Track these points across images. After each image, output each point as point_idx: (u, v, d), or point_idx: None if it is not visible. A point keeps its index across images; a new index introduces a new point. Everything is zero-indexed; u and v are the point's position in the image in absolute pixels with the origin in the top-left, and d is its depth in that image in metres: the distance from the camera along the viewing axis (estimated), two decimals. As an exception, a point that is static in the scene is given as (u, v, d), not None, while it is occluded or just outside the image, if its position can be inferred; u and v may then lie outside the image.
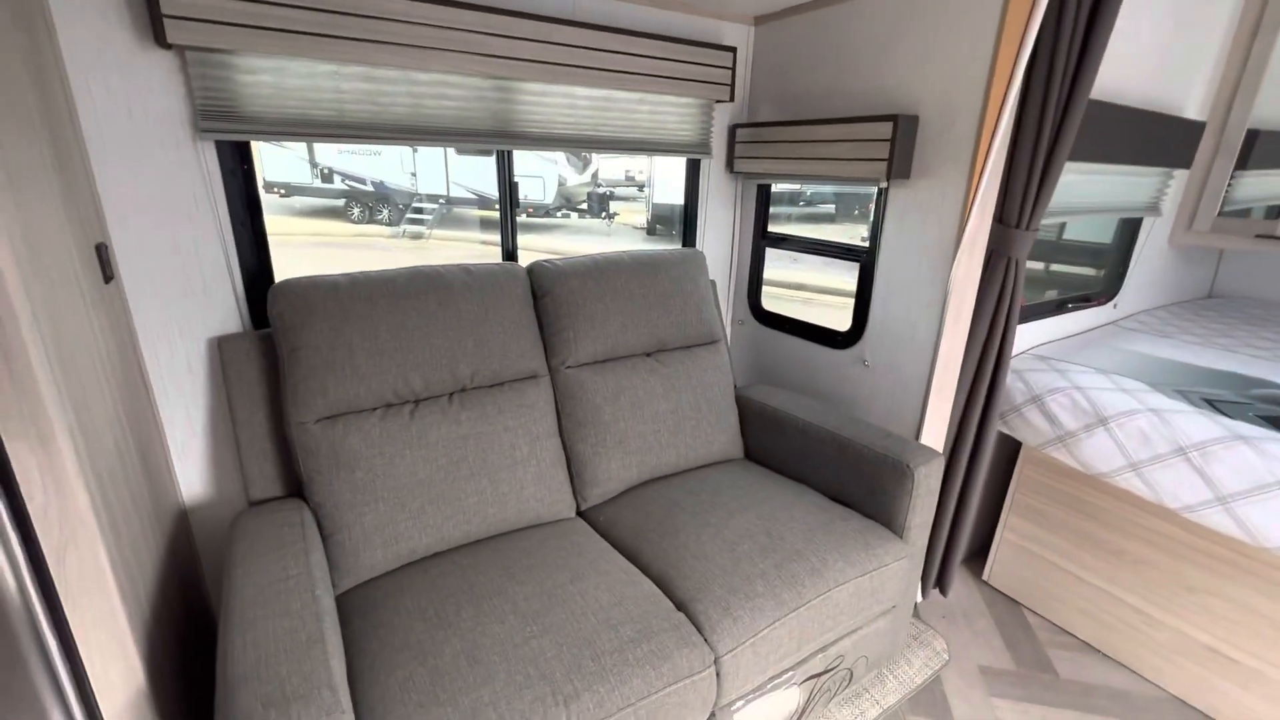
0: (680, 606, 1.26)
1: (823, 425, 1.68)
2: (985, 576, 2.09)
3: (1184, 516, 1.54)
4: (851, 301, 1.89)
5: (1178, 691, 1.66)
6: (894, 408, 1.78)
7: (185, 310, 1.38)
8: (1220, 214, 2.31)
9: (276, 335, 1.33)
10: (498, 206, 1.82)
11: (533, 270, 1.67)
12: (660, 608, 1.23)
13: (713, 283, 1.98)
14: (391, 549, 1.33)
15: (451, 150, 9.87)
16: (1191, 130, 2.17)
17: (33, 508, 0.75)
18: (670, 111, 1.91)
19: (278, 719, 0.78)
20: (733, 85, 1.96)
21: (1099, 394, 1.69)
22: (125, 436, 1.09)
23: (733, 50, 1.91)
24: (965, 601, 2.01)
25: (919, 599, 1.95)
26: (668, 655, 1.12)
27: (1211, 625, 1.57)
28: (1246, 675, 1.52)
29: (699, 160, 2.11)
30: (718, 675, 1.19)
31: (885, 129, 1.59)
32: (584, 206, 11.62)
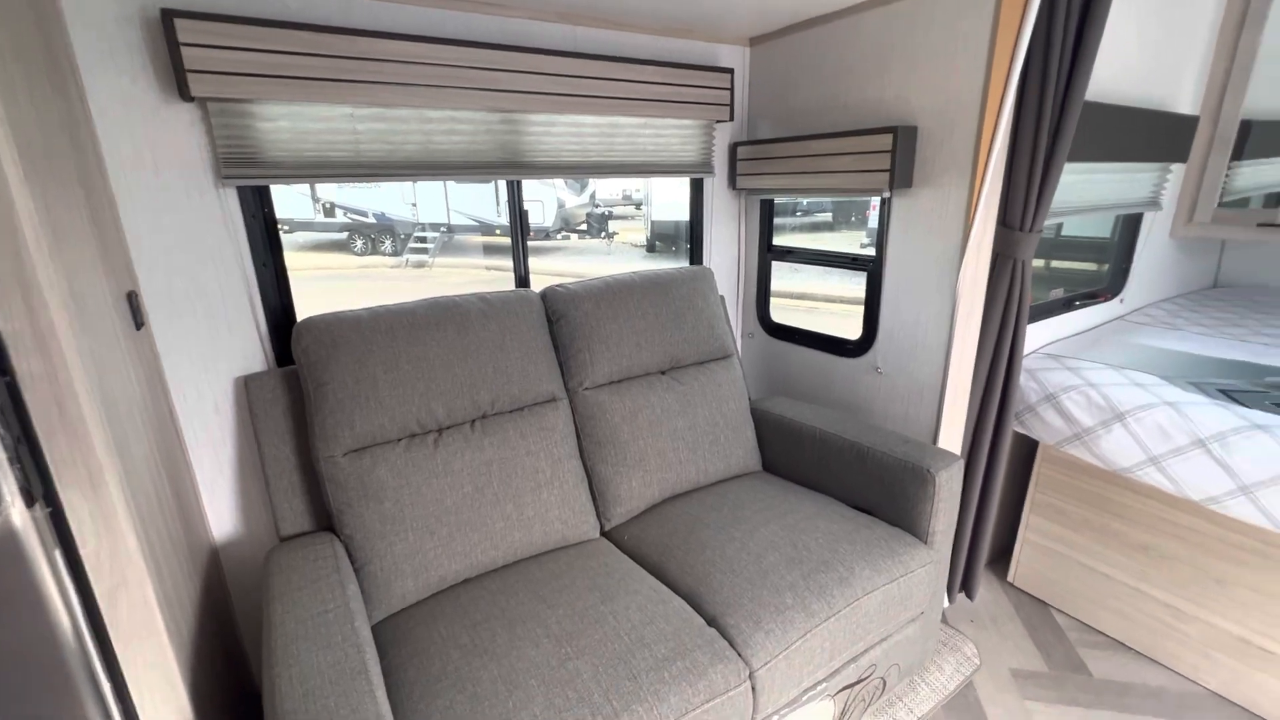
0: (711, 622, 1.26)
1: (840, 434, 1.69)
2: (1010, 578, 2.08)
3: (1208, 508, 1.55)
4: (853, 307, 1.91)
5: (1215, 686, 1.64)
6: (909, 413, 1.80)
7: (212, 352, 1.41)
8: (1220, 205, 2.33)
9: (302, 371, 1.36)
10: (506, 234, 1.86)
11: (547, 295, 1.70)
12: (692, 624, 1.24)
13: (722, 298, 2.01)
14: (422, 577, 1.34)
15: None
16: (1185, 124, 2.20)
17: (85, 553, 0.78)
18: (673, 134, 1.95)
19: (330, 751, 0.79)
20: (732, 105, 2.00)
21: (1114, 389, 1.70)
22: (160, 477, 1.12)
23: (730, 71, 1.96)
24: (992, 604, 2.00)
25: (946, 604, 1.94)
26: (703, 672, 1.13)
27: (1244, 617, 1.56)
28: (1283, 666, 1.51)
29: (702, 179, 2.15)
30: (753, 689, 1.19)
31: (885, 140, 1.62)
32: (584, 227, 11.73)
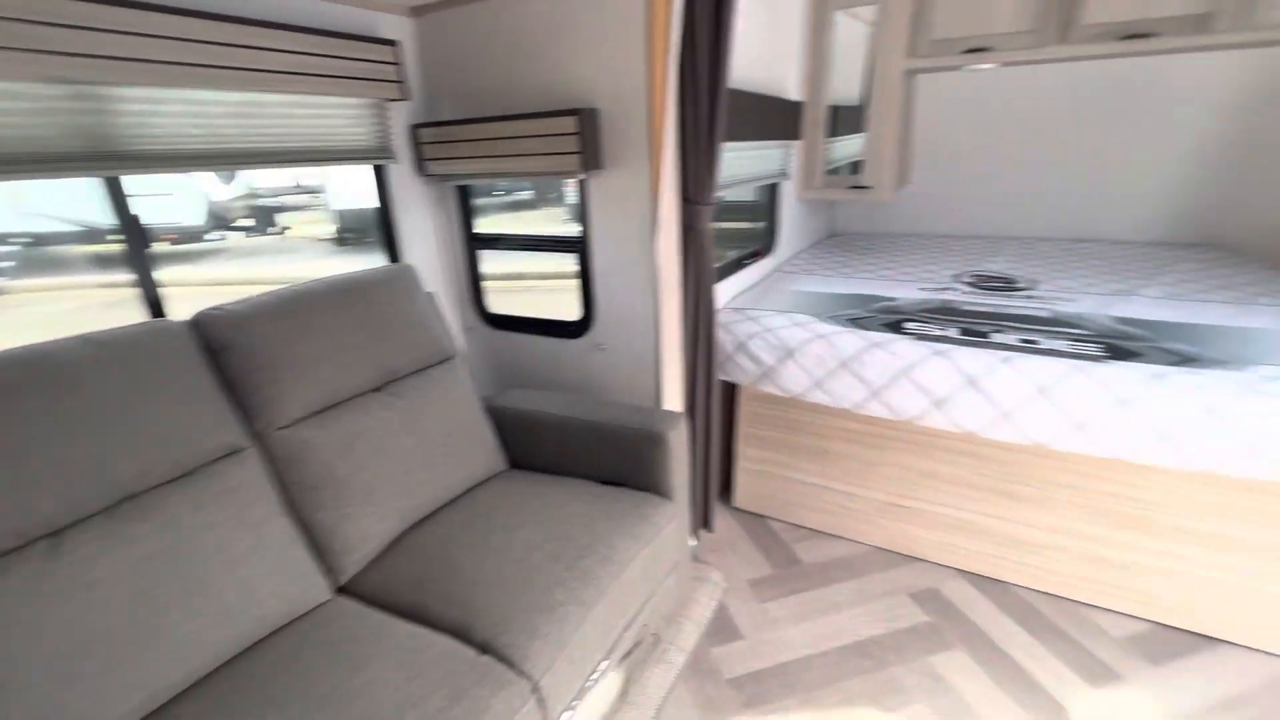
0: (485, 648, 1.17)
1: (577, 416, 1.71)
2: (735, 503, 2.41)
3: (856, 412, 1.98)
4: (575, 281, 1.95)
5: (879, 544, 2.15)
6: (635, 382, 1.91)
7: None
8: (826, 173, 2.97)
9: None
10: (120, 241, 1.40)
11: (201, 323, 1.33)
12: (463, 660, 1.13)
13: (430, 295, 1.84)
14: (69, 743, 0.96)
15: (22, 173, 7.34)
16: (797, 109, 2.71)
17: None
18: (338, 114, 1.69)
19: None
20: (404, 83, 1.81)
21: (784, 331, 2.05)
22: None
23: (393, 44, 1.76)
24: (726, 531, 2.29)
25: (692, 543, 2.16)
26: (485, 707, 1.04)
27: (888, 486, 2.06)
28: (915, 516, 2.05)
29: (384, 166, 1.92)
30: (540, 700, 1.14)
31: (570, 123, 1.64)
32: (249, 223, 9.82)
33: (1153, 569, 1.74)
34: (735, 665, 1.71)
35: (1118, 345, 1.80)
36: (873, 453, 2.05)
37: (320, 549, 1.38)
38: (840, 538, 2.21)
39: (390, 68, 1.76)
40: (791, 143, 2.81)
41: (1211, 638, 1.72)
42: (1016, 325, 2.00)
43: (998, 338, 1.89)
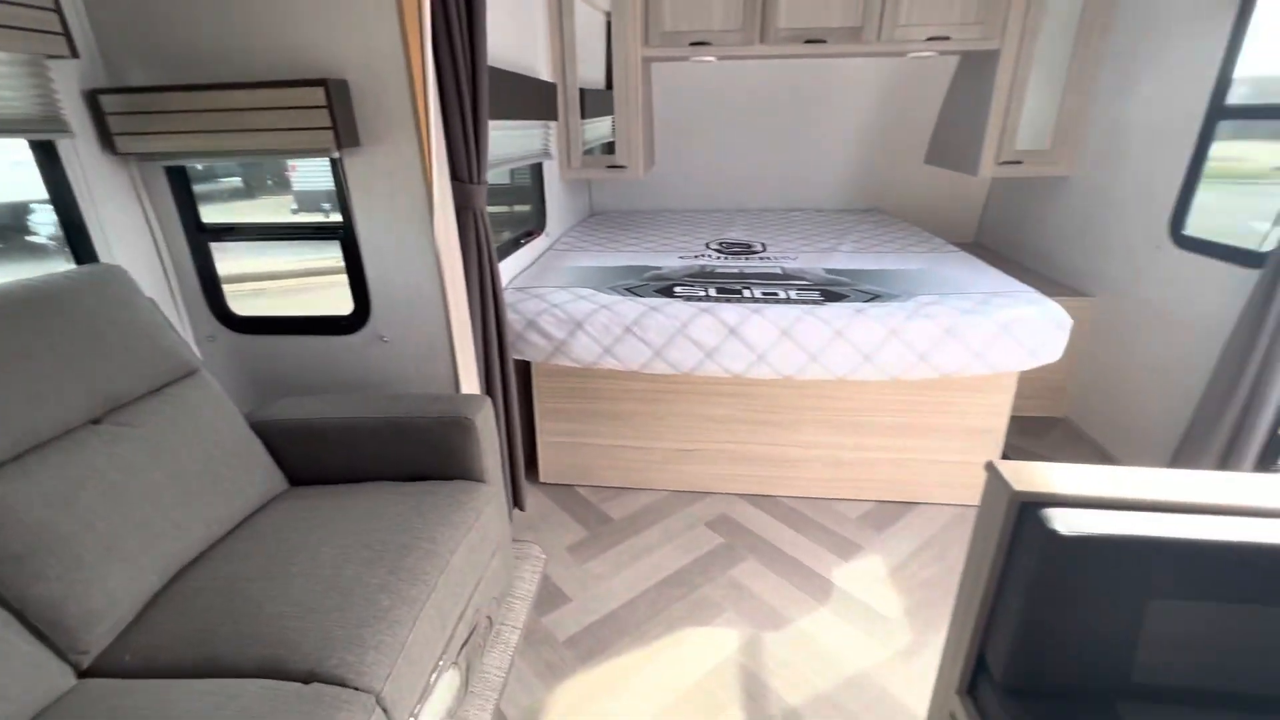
0: (310, 677, 1.05)
1: (367, 415, 1.59)
2: (542, 478, 2.46)
3: (644, 372, 2.16)
4: (328, 275, 1.78)
5: (675, 487, 2.40)
6: (427, 371, 1.82)
7: None
8: (584, 153, 3.10)
9: None
10: None
11: None
12: (287, 697, 1.00)
13: (151, 301, 1.52)
14: None
15: None
16: (551, 89, 2.78)
17: None
18: (-29, 71, 1.28)
19: None
20: (68, 35, 1.44)
21: (569, 305, 2.13)
22: None
23: (46, -14, 1.38)
24: (538, 506, 2.33)
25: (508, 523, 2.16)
26: (323, 737, 0.95)
27: (674, 434, 2.30)
28: (701, 456, 2.32)
29: (52, 143, 1.51)
30: (384, 710, 1.08)
31: (318, 94, 1.48)
32: None
33: (870, 460, 2.25)
34: (568, 626, 1.78)
35: (830, 290, 2.26)
36: (660, 407, 2.27)
37: (47, 629, 1.08)
38: (642, 489, 2.41)
39: (47, 15, 1.38)
40: (551, 124, 2.88)
41: (912, 502, 2.29)
42: (759, 281, 2.37)
43: (748, 293, 2.22)
